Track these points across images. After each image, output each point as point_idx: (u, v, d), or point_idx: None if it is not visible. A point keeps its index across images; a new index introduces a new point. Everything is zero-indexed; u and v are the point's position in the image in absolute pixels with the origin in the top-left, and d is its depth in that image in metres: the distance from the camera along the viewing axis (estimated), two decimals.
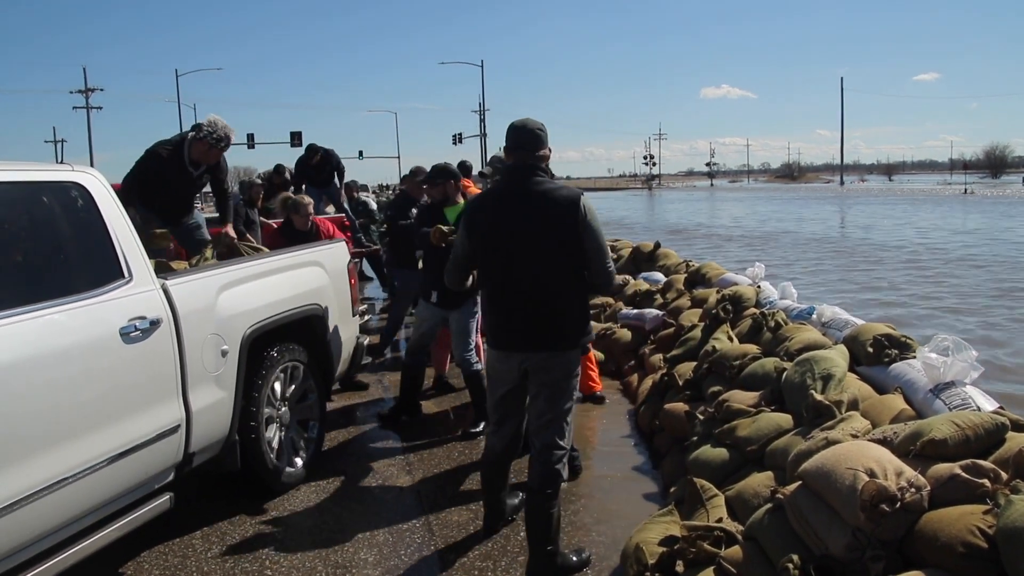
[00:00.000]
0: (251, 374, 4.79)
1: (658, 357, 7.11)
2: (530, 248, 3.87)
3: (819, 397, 4.02)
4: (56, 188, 3.89)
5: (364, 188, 14.83)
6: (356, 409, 7.06)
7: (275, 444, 5.10)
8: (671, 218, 42.84)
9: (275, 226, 8.31)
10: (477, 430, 6.30)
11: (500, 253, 3.95)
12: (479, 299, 6.32)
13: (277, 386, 5.10)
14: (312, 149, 12.32)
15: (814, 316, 5.73)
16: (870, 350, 4.66)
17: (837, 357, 4.48)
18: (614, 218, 41.42)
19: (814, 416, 3.98)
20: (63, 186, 3.91)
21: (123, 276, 3.94)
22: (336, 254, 5.90)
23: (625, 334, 8.15)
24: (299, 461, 5.33)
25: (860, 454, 3.06)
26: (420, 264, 6.65)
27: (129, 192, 5.85)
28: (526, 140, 3.95)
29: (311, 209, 7.36)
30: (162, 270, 4.66)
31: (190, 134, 6.09)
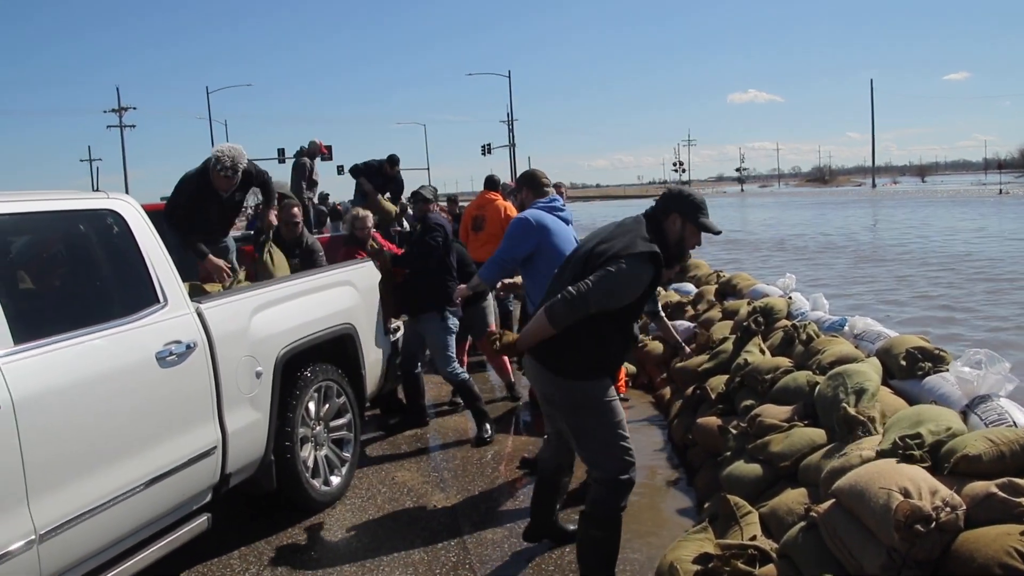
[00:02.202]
0: (285, 394, 4.85)
1: (685, 359, 7.17)
2: (565, 273, 3.95)
3: (852, 412, 4.00)
4: (92, 216, 3.98)
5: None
6: (390, 425, 7.09)
7: (310, 463, 5.15)
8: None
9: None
10: (486, 436, 6.50)
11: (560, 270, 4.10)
12: (450, 315, 6.51)
13: (311, 406, 5.15)
14: (394, 159, 12.44)
15: (846, 328, 5.70)
16: (903, 363, 4.63)
17: (870, 371, 4.45)
18: None
19: (847, 431, 3.95)
20: (99, 214, 4.00)
21: (158, 301, 4.02)
22: (367, 273, 5.96)
23: (657, 346, 8.13)
24: (335, 479, 5.37)
25: (894, 472, 3.05)
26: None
27: (171, 216, 5.99)
28: (674, 195, 3.95)
29: (370, 223, 7.42)
30: (196, 293, 4.73)
31: (212, 159, 6.23)
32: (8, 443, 3.10)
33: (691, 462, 5.69)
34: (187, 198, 6.06)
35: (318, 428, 5.24)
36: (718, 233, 3.92)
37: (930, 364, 4.53)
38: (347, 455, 5.54)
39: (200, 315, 4.22)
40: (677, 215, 3.82)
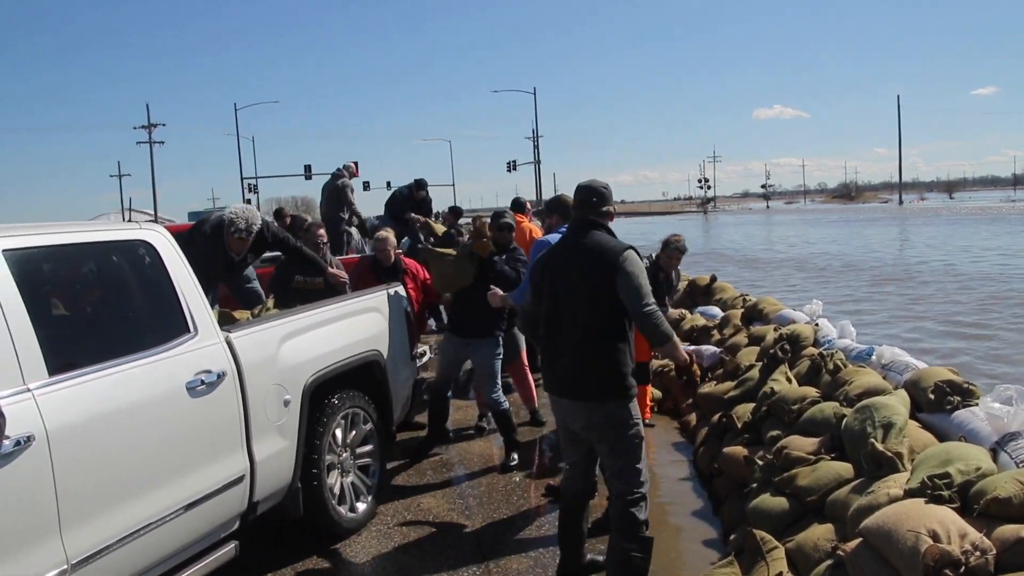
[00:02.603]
0: (313, 422, 4.88)
1: (711, 386, 7.17)
2: (575, 298, 4.07)
3: (880, 447, 3.98)
4: (125, 247, 4.04)
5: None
6: (414, 450, 7.10)
7: (336, 490, 5.17)
8: (725, 244, 42.30)
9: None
10: (512, 463, 6.50)
11: (551, 303, 4.18)
12: (501, 339, 6.47)
13: (338, 432, 5.17)
14: (421, 184, 12.64)
15: (873, 357, 5.67)
16: (931, 397, 4.60)
17: (898, 404, 4.43)
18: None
19: (875, 467, 3.94)
20: (131, 244, 4.06)
21: (188, 330, 4.07)
22: (394, 299, 5.99)
23: None
24: (361, 506, 5.39)
25: (922, 514, 3.04)
26: None
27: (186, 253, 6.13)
28: (588, 197, 4.24)
29: (392, 243, 7.48)
30: (225, 321, 4.78)
31: (226, 219, 6.30)
32: (42, 474, 3.15)
33: (717, 491, 5.67)
34: (200, 255, 6.18)
35: (344, 455, 5.27)
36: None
37: (959, 398, 4.50)
38: (373, 481, 5.56)
39: (229, 344, 4.27)
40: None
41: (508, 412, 6.60)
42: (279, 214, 13.57)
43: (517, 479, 6.28)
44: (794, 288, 18.23)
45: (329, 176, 13.12)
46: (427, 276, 7.40)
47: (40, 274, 3.65)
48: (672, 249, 7.26)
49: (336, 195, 12.60)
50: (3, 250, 3.36)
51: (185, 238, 6.35)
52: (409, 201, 12.57)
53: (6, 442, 2.98)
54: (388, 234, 7.65)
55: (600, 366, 4.03)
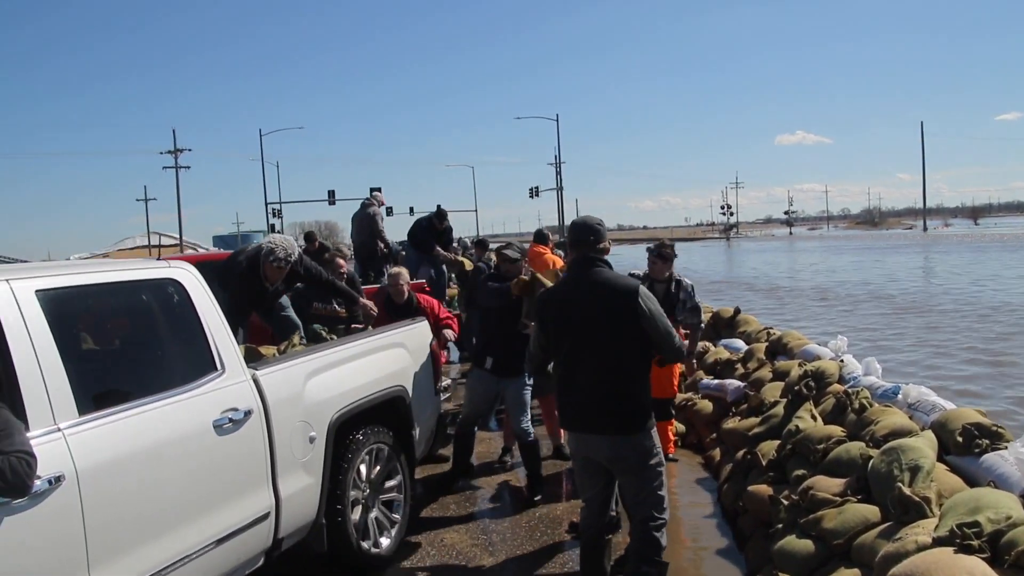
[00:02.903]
0: (337, 458, 4.89)
1: (735, 421, 7.14)
2: (593, 335, 4.18)
3: (907, 492, 3.94)
4: (154, 286, 4.10)
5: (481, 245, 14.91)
6: (438, 484, 7.09)
7: (361, 525, 5.17)
8: (748, 272, 41.87)
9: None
10: (536, 499, 6.48)
11: (567, 341, 4.27)
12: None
13: (363, 468, 5.18)
14: (443, 214, 12.77)
15: (899, 396, 5.61)
16: (959, 439, 4.55)
17: (925, 447, 4.39)
18: (692, 276, 40.68)
19: (902, 512, 3.90)
20: (160, 283, 4.12)
21: (216, 368, 4.11)
22: (418, 333, 6.02)
23: (707, 405, 8.09)
24: (384, 541, 5.38)
25: (951, 564, 3.02)
26: None
27: (222, 283, 6.23)
28: (584, 235, 4.35)
29: (405, 278, 7.51)
30: (252, 358, 4.81)
31: (264, 248, 6.40)
32: (71, 513, 3.19)
33: (742, 529, 5.63)
34: (236, 283, 6.27)
35: (369, 490, 5.27)
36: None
37: (987, 441, 4.45)
38: (397, 516, 5.56)
39: (256, 382, 4.30)
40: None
41: (535, 444, 6.60)
42: (310, 238, 13.75)
43: (540, 514, 6.26)
44: (818, 318, 18.04)
45: (358, 206, 13.27)
46: (441, 313, 7.41)
47: (71, 313, 3.70)
48: (654, 255, 7.23)
49: (367, 224, 12.76)
50: (36, 290, 3.42)
51: (222, 266, 6.44)
52: (431, 231, 12.66)
53: (37, 482, 3.03)
54: (401, 270, 7.69)
55: (624, 399, 4.15)
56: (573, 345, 4.24)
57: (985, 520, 3.35)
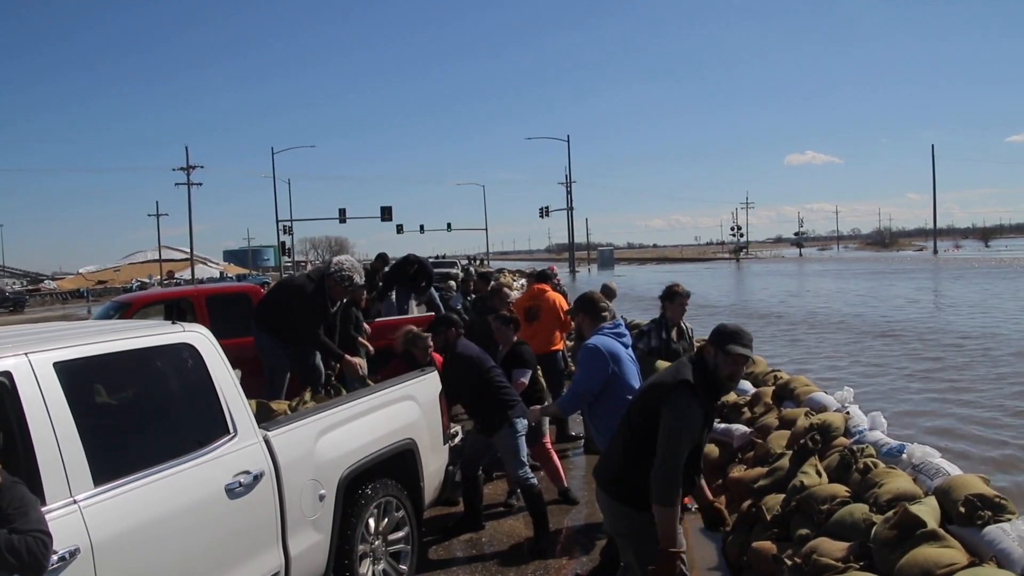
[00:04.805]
0: (346, 513, 4.94)
1: (740, 469, 7.16)
2: (633, 404, 4.26)
3: None
4: (169, 351, 4.18)
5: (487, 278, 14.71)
6: (446, 528, 7.11)
7: None
8: (756, 300, 40.64)
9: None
10: (542, 544, 6.50)
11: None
12: (517, 421, 6.59)
13: (371, 522, 5.22)
14: (411, 260, 12.96)
15: (904, 456, 5.64)
16: (962, 510, 4.57)
17: (928, 516, 4.42)
18: (698, 301, 40.03)
19: None
20: (175, 348, 4.19)
21: (228, 432, 4.18)
22: (428, 385, 6.07)
23: (713, 450, 8.08)
24: None
25: None
26: None
27: (262, 319, 6.36)
28: None
29: (430, 341, 7.54)
30: (263, 416, 4.87)
31: (333, 267, 6.57)
32: None
33: None
34: (306, 304, 6.42)
35: (377, 543, 5.31)
36: (746, 357, 4.05)
37: (990, 513, 4.48)
38: (404, 567, 5.59)
39: (267, 442, 4.36)
40: (710, 345, 4.06)
41: (538, 490, 6.64)
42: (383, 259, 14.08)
43: (546, 563, 6.29)
44: (829, 359, 17.68)
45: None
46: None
47: (88, 384, 3.78)
48: (679, 300, 7.51)
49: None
50: (54, 363, 3.49)
51: (273, 296, 6.66)
52: (404, 273, 12.97)
53: (53, 557, 3.09)
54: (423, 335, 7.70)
55: (634, 473, 4.07)
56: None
57: None
